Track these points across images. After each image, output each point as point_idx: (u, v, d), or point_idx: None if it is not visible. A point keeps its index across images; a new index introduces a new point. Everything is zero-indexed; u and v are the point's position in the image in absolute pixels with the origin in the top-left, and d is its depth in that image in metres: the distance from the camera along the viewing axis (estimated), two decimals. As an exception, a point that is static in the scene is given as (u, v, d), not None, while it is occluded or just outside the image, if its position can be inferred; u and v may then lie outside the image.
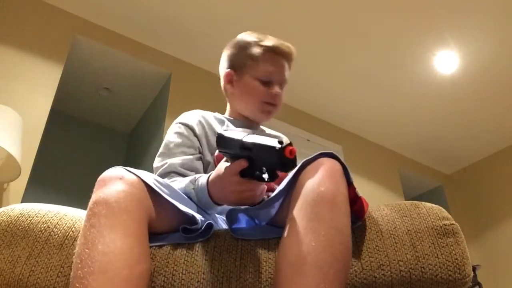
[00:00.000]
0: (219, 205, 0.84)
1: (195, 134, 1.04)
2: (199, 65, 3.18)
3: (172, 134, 1.05)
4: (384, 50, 3.10)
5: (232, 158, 0.78)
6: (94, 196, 0.67)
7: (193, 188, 0.85)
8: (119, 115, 3.43)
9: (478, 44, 3.02)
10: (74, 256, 0.62)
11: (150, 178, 0.74)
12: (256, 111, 1.11)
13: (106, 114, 3.41)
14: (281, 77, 1.10)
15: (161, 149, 1.03)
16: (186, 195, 0.85)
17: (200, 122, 1.07)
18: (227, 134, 0.78)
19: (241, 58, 1.12)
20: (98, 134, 3.45)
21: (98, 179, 0.71)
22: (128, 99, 3.27)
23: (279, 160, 0.68)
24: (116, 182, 0.68)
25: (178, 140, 1.02)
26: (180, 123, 1.07)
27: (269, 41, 1.10)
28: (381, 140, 4.01)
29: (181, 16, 2.84)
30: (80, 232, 0.65)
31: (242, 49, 1.13)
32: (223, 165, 0.80)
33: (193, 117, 1.08)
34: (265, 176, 0.75)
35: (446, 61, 3.16)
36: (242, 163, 0.74)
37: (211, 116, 1.12)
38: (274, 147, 0.68)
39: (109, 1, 2.74)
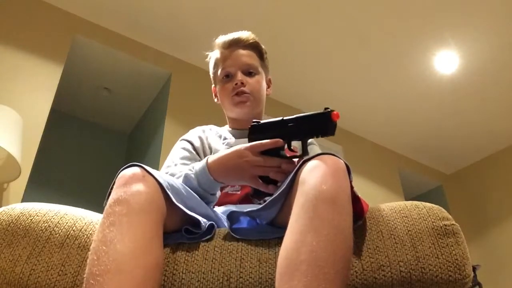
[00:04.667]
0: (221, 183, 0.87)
1: (194, 148, 1.10)
2: (199, 65, 3.18)
3: (176, 148, 1.12)
4: (384, 50, 3.10)
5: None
6: (115, 194, 0.68)
7: (191, 170, 0.88)
8: (119, 115, 3.43)
9: (478, 44, 3.02)
10: (90, 252, 0.63)
11: (164, 180, 0.75)
12: (232, 108, 1.15)
13: (106, 114, 3.41)
14: (239, 65, 1.12)
15: (166, 162, 1.08)
16: (187, 183, 0.86)
17: (199, 137, 1.14)
18: (263, 121, 0.87)
19: (212, 71, 1.20)
20: (98, 134, 3.45)
21: (119, 176, 0.72)
22: (128, 99, 3.27)
23: (327, 123, 0.78)
24: (138, 183, 0.69)
25: (180, 153, 1.08)
26: (183, 139, 1.15)
27: (218, 40, 1.17)
28: (381, 140, 4.01)
29: (181, 16, 2.84)
30: (98, 228, 0.65)
31: (211, 61, 1.21)
32: (238, 147, 0.85)
33: (194, 133, 1.17)
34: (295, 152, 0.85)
35: (446, 61, 3.16)
36: (279, 142, 0.81)
37: (208, 130, 1.18)
38: (323, 112, 0.79)
39: (109, 1, 2.74)
